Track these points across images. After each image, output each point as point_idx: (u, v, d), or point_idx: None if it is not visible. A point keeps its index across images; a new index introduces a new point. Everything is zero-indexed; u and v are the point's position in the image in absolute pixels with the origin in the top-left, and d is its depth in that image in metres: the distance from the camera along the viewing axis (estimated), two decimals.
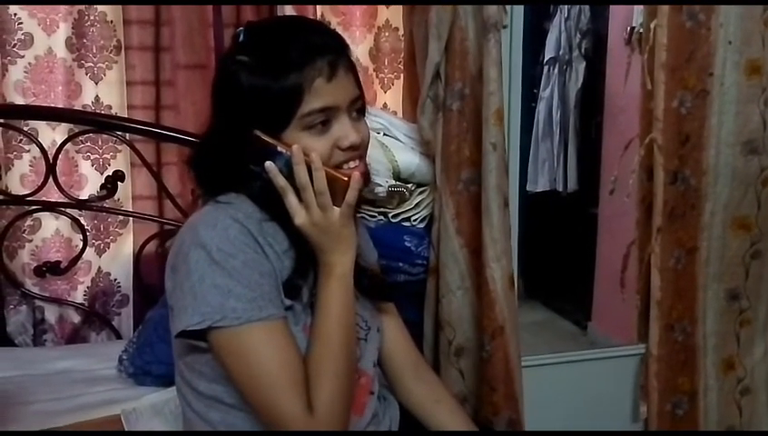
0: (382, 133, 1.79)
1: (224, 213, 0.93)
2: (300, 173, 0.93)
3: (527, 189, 3.41)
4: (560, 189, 3.41)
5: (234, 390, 0.93)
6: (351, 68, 1.00)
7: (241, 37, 0.98)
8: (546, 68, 3.40)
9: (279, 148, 0.95)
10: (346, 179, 0.95)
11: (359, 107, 1.01)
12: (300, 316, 0.97)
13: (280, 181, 0.95)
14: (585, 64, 3.28)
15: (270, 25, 1.06)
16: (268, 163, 0.94)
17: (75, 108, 1.87)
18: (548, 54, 3.37)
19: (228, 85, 0.98)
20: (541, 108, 3.43)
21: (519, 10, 1.75)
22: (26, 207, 1.85)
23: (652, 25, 1.77)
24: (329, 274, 0.97)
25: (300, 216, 0.94)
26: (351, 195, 0.95)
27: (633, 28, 2.63)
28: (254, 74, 0.94)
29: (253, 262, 0.91)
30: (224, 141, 0.99)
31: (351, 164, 0.99)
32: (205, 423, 0.98)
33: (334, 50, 0.96)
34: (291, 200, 0.95)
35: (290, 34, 0.96)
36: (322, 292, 0.96)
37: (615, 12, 2.92)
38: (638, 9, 2.56)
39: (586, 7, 3.26)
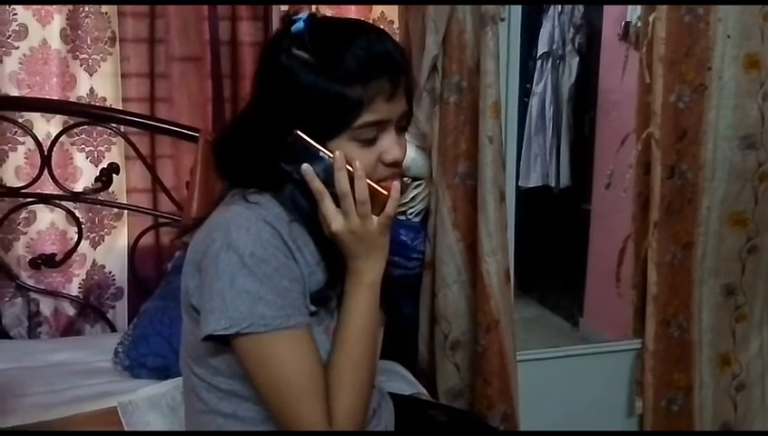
0: None
1: (256, 215, 0.90)
2: (342, 180, 0.90)
3: (520, 184, 3.40)
4: (552, 184, 3.41)
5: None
6: (408, 85, 0.97)
7: (301, 27, 0.92)
8: (539, 63, 3.39)
9: (320, 153, 0.91)
10: (385, 193, 0.93)
11: (404, 124, 0.99)
12: (323, 318, 0.96)
13: (317, 185, 0.91)
14: (578, 58, 3.27)
15: (337, 26, 0.98)
16: (305, 166, 0.91)
17: (70, 100, 1.85)
18: (541, 48, 3.36)
19: (279, 79, 0.93)
20: (534, 103, 3.42)
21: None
22: (21, 199, 1.84)
23: (650, 18, 1.77)
24: (358, 282, 0.95)
25: (337, 222, 0.92)
26: (391, 206, 0.93)
27: (628, 23, 2.63)
28: (313, 76, 0.90)
29: (284, 267, 0.89)
30: (260, 133, 0.95)
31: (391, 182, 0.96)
32: (212, 414, 0.97)
33: (399, 67, 0.93)
34: (329, 205, 0.92)
35: (357, 42, 0.91)
36: (349, 299, 0.95)
37: (610, 7, 2.92)
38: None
39: None
